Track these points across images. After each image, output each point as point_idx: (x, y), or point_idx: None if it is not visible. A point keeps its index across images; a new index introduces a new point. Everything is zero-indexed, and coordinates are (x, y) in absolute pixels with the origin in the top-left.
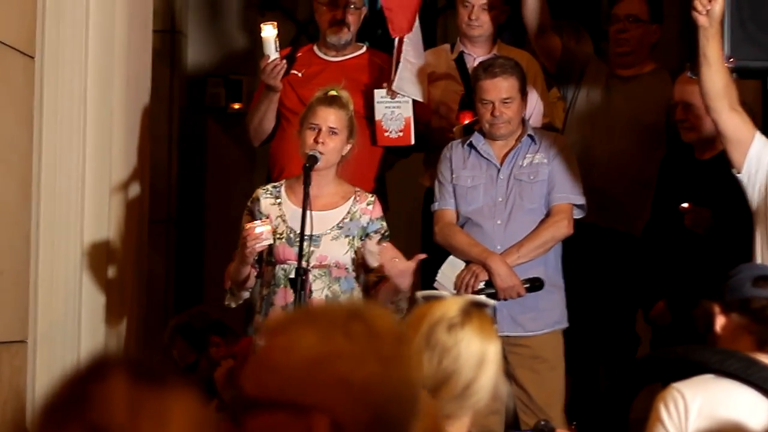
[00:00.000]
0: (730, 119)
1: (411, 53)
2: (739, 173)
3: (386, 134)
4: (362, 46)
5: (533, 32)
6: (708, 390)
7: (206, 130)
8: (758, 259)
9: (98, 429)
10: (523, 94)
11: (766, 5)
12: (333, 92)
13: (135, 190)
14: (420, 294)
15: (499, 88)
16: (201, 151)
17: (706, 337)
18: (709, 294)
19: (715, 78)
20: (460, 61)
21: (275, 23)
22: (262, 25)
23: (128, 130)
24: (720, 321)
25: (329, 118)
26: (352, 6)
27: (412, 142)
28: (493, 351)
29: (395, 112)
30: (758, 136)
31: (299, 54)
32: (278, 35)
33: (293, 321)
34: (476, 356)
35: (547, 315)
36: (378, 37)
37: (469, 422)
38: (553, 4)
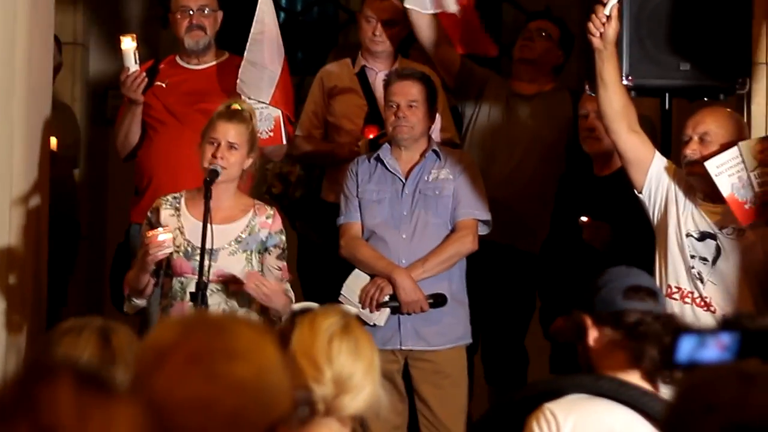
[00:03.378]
0: (630, 140)
1: (265, 58)
2: (640, 193)
3: (258, 135)
4: (224, 53)
5: (430, 45)
6: (581, 409)
7: (108, 142)
8: (657, 275)
9: (46, 429)
10: (431, 107)
11: (664, 24)
12: (235, 106)
13: (35, 202)
14: (294, 306)
15: (406, 90)
16: (102, 164)
17: (577, 347)
18: (579, 303)
19: (613, 99)
20: (362, 75)
21: (134, 35)
22: (121, 37)
23: (29, 142)
24: (593, 334)
25: (229, 132)
26: (207, 9)
27: (284, 141)
28: None
29: (263, 113)
30: (657, 156)
31: (162, 65)
32: (138, 48)
33: None
34: None
35: (450, 330)
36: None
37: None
38: None
